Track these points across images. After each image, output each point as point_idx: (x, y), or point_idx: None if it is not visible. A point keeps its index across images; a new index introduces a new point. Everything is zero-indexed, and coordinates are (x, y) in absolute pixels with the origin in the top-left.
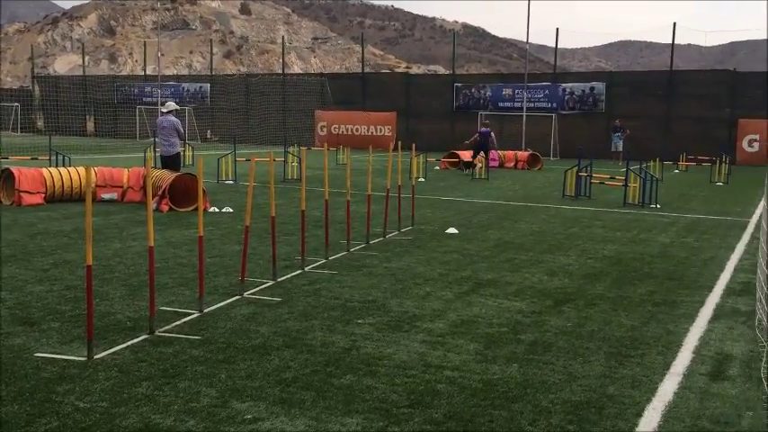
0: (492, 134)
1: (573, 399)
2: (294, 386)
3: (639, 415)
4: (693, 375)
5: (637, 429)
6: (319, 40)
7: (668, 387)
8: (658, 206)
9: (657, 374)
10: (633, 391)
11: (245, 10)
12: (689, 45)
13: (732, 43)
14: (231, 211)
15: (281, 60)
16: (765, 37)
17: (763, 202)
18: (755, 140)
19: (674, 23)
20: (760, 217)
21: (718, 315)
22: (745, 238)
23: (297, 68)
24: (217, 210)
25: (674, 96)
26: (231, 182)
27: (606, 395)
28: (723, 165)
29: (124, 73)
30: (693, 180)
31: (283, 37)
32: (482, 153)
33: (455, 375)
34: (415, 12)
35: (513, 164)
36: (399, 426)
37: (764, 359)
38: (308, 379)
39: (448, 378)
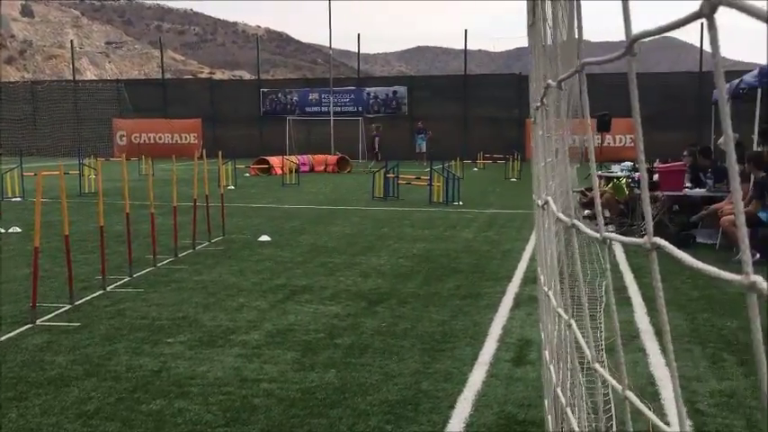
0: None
1: (390, 398)
2: (96, 418)
3: (452, 407)
4: (499, 363)
5: (450, 421)
6: (114, 45)
7: (477, 377)
8: (461, 203)
9: (467, 365)
10: (446, 384)
11: (26, 12)
12: (480, 51)
13: (518, 49)
14: (19, 230)
15: (71, 66)
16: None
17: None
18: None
19: (465, 30)
20: None
21: (518, 303)
22: None
23: (90, 75)
24: (2, 230)
25: (470, 99)
26: (18, 199)
27: (421, 391)
28: (515, 162)
29: None
30: (490, 177)
31: (72, 41)
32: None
33: (272, 387)
34: (215, 16)
35: (322, 168)
36: None
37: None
38: (113, 408)
39: (265, 391)
